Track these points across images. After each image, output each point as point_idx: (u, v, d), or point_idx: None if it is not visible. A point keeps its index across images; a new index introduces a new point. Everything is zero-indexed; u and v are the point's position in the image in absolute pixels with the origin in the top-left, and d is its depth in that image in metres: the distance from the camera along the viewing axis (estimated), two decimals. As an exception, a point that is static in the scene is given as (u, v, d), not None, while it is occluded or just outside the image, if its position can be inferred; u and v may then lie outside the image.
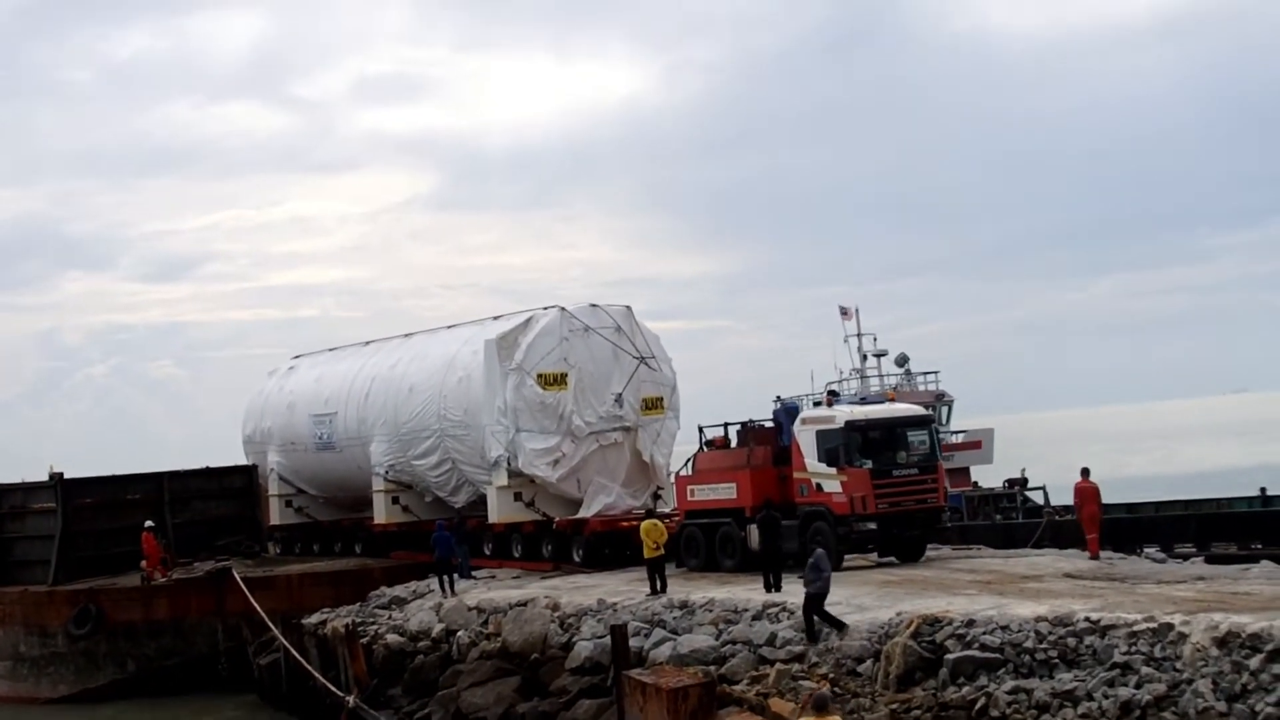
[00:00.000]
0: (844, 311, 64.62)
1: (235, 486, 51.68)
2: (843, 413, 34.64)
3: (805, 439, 34.43)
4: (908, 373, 63.03)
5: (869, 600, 27.71)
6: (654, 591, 32.13)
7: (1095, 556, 32.55)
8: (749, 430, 37.08)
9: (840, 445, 33.48)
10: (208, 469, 52.20)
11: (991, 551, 36.63)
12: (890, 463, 33.65)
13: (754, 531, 33.60)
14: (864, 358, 63.70)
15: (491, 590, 36.98)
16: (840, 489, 33.35)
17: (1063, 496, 55.90)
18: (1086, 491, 33.21)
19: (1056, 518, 42.46)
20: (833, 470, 33.58)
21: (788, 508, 34.57)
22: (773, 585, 30.42)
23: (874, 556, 35.44)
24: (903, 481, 33.60)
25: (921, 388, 60.76)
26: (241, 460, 53.85)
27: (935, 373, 61.62)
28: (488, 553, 42.17)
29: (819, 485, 33.90)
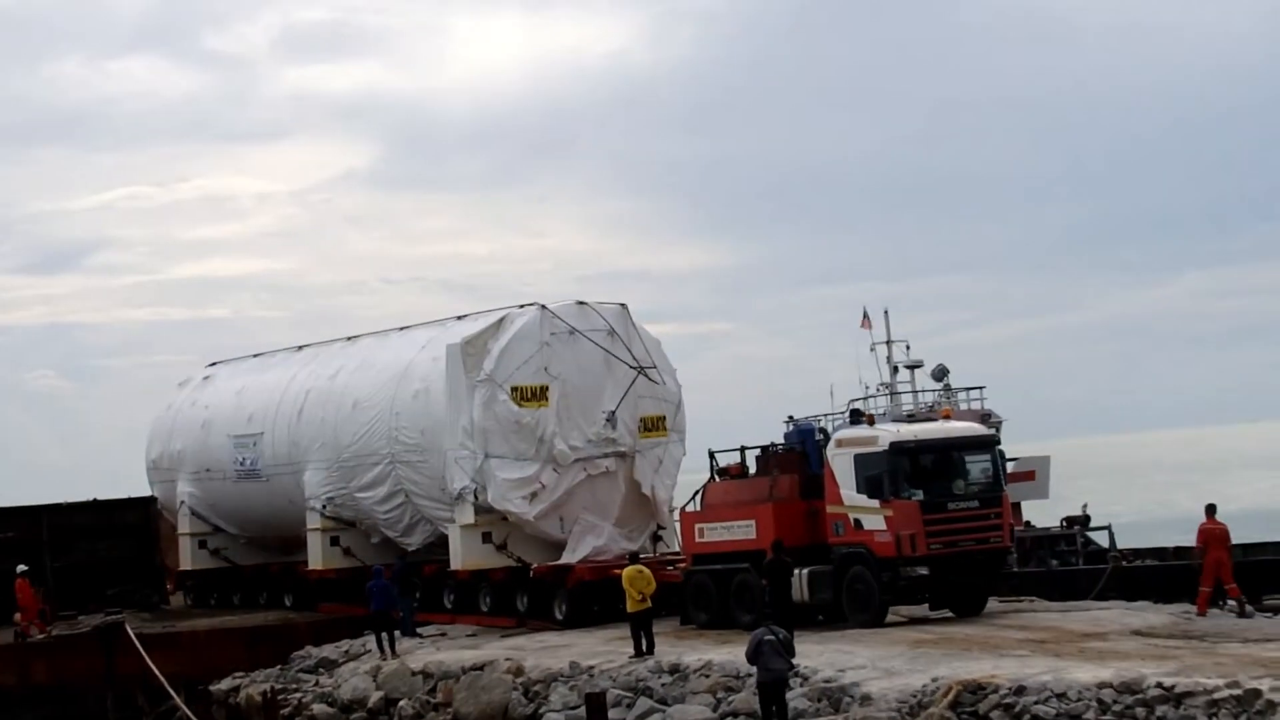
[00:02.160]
0: (865, 317, 63.89)
1: (130, 523, 51.62)
2: (887, 432, 34.39)
3: (841, 465, 34.20)
4: (947, 388, 62.34)
5: (899, 663, 27.71)
6: (639, 653, 32.10)
7: (1203, 615, 32.32)
8: (771, 455, 36.92)
9: (884, 472, 33.28)
10: (96, 502, 52.08)
11: (1046, 604, 36.77)
12: (945, 494, 33.51)
13: (801, 579, 33.81)
14: (894, 370, 62.95)
15: (441, 651, 36.96)
16: (884, 526, 33.17)
17: (1131, 537, 55.34)
18: (1214, 534, 32.86)
19: (1124, 563, 42.29)
20: (875, 503, 33.38)
21: (819, 550, 34.37)
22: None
23: (925, 609, 35.32)
24: (961, 517, 33.45)
25: (963, 406, 60.01)
26: (144, 491, 53.73)
27: (980, 388, 60.92)
28: (449, 606, 42.02)
29: (858, 522, 33.72)
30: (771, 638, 25.53)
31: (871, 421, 36.04)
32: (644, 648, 32.22)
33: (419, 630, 40.27)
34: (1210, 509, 33.57)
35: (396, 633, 38.42)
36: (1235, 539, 41.15)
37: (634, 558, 35.13)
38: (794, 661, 26.22)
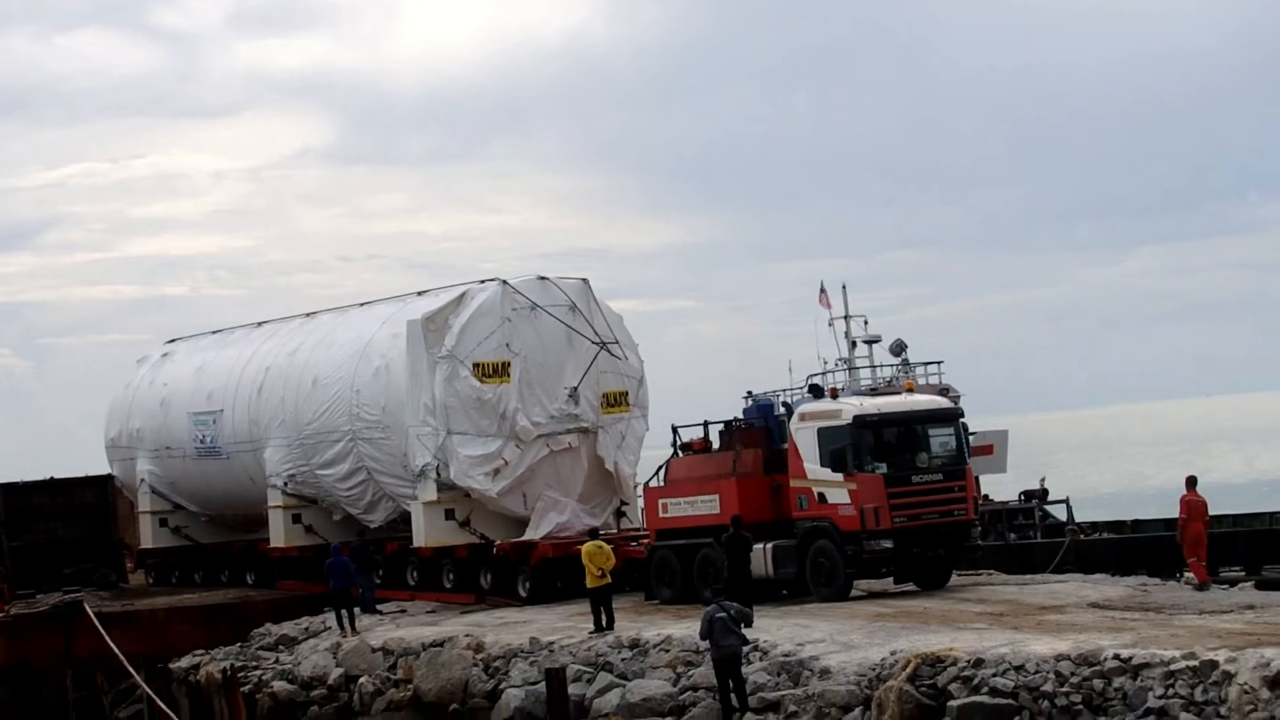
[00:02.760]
0: (822, 292, 63.80)
1: (88, 502, 51.69)
2: (850, 406, 34.40)
3: (804, 439, 34.23)
4: (905, 363, 62.35)
5: (858, 636, 27.73)
6: (599, 628, 32.16)
7: (1204, 585, 32.35)
8: (734, 430, 36.93)
9: (848, 445, 33.33)
10: (53, 480, 51.98)
11: (1004, 577, 36.82)
12: (909, 467, 33.58)
13: (766, 553, 33.96)
14: (853, 345, 62.89)
15: (401, 628, 37.01)
16: (848, 499, 33.24)
17: (1088, 511, 55.56)
18: (1195, 506, 32.90)
19: (1082, 536, 42.74)
20: (839, 477, 33.45)
21: (783, 525, 34.44)
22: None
23: (889, 582, 35.44)
24: (925, 490, 33.56)
25: (921, 380, 59.94)
26: (102, 470, 53.45)
27: (938, 363, 60.92)
28: (412, 584, 41.97)
29: (821, 496, 33.77)
30: (723, 615, 25.55)
31: (835, 395, 36.01)
32: (604, 623, 32.31)
33: (379, 607, 40.17)
34: (1191, 481, 33.55)
35: (357, 610, 38.35)
36: (1152, 514, 41.31)
37: (594, 533, 35.16)
38: (748, 636, 26.22)
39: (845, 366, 61.20)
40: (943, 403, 35.74)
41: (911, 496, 33.32)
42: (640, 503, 40.04)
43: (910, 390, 36.96)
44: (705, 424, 37.59)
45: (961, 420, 35.08)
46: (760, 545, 33.87)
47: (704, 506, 35.79)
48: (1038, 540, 45.66)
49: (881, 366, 61.35)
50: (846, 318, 63.05)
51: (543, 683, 28.27)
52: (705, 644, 26.34)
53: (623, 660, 29.50)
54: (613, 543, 39.14)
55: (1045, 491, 52.65)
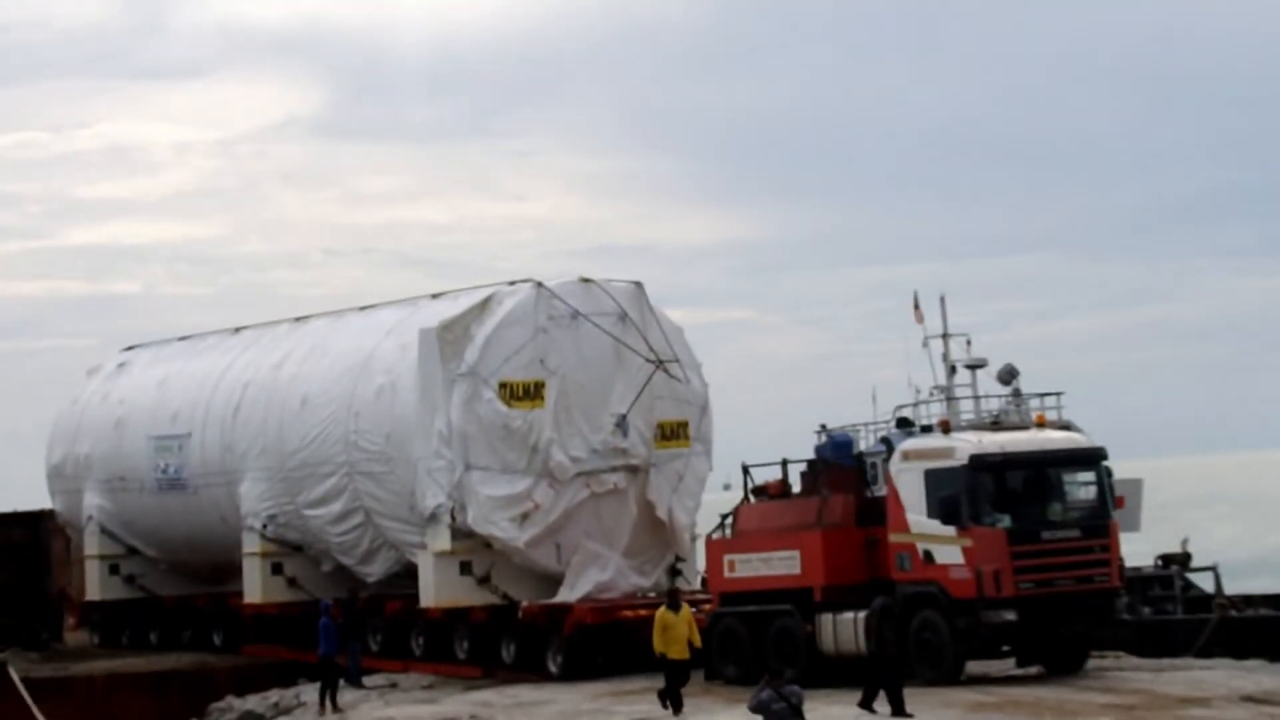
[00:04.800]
0: (916, 306, 63.15)
1: (15, 542, 52.24)
2: (967, 443, 34.31)
3: (908, 483, 34.27)
4: (1016, 393, 61.47)
5: None
6: (676, 711, 32.14)
7: None
8: (819, 471, 36.91)
9: (963, 492, 33.26)
10: None
11: (1136, 661, 36.93)
12: (1039, 520, 33.61)
13: (835, 624, 33.84)
14: (952, 370, 62.11)
15: (391, 705, 37.11)
16: (961, 560, 33.18)
17: (1241, 581, 54.43)
18: None
19: (1233, 612, 42.03)
20: (950, 531, 33.34)
21: (880, 589, 34.15)
22: (899, 710, 29.76)
23: (1010, 664, 35.31)
24: (1058, 549, 33.42)
25: (1033, 417, 59.39)
26: (36, 503, 53.85)
27: (1057, 394, 60.10)
28: (418, 653, 41.95)
29: (928, 554, 33.74)
30: (782, 704, 25.52)
31: (947, 429, 35.67)
32: (677, 707, 32.18)
33: (364, 679, 40.14)
34: None
35: (340, 681, 38.49)
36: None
37: (672, 596, 34.11)
38: None
39: (943, 396, 60.29)
40: (1081, 440, 35.42)
41: (1041, 557, 33.13)
42: (700, 559, 39.91)
43: (1041, 425, 36.50)
44: (784, 463, 37.58)
45: (1105, 463, 34.84)
46: (850, 614, 33.85)
47: (780, 565, 35.74)
48: (1178, 616, 44.86)
49: (987, 397, 60.54)
50: (945, 336, 62.00)
51: None
52: None
53: None
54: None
55: (1188, 556, 51.92)
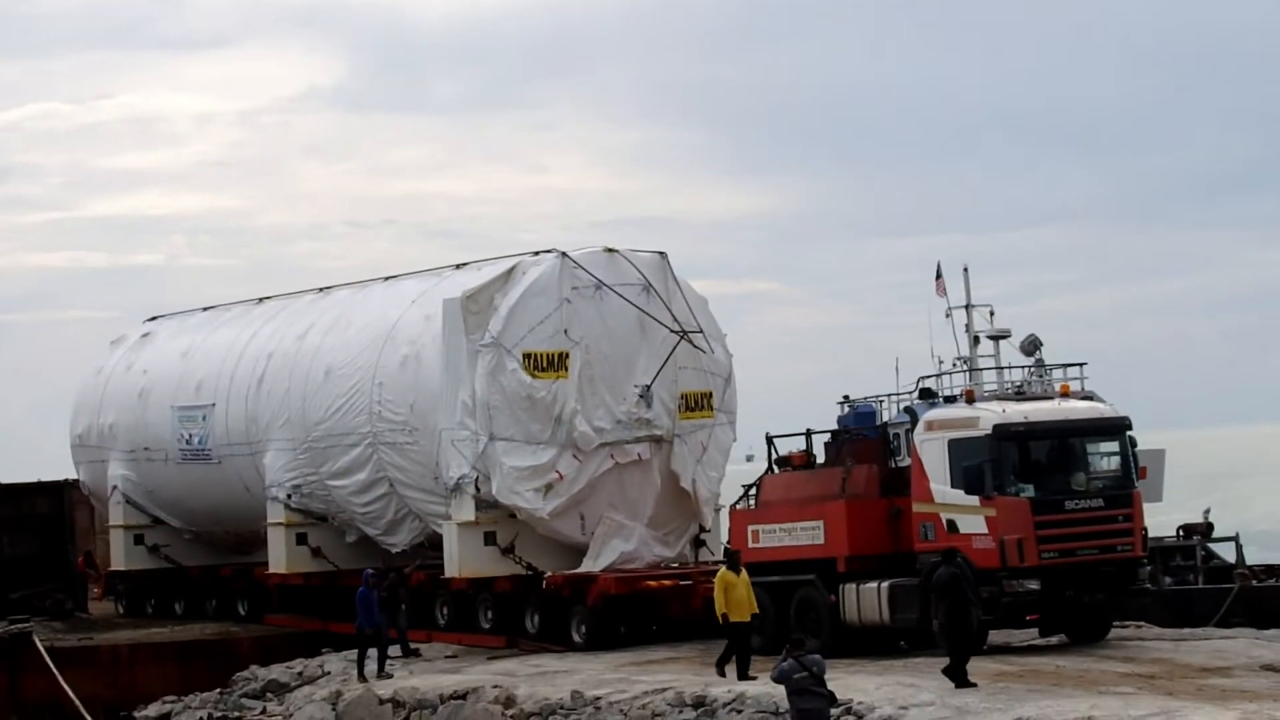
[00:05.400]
0: (939, 276, 63.13)
1: (40, 513, 52.07)
2: (991, 412, 34.27)
3: (932, 453, 34.26)
4: (1039, 363, 61.48)
5: (974, 700, 27.89)
6: (741, 676, 32.05)
7: None
8: (844, 442, 36.87)
9: (986, 462, 33.25)
10: None
11: (1157, 630, 37.00)
12: (1062, 489, 33.59)
13: (859, 594, 33.84)
14: (975, 341, 62.14)
15: (415, 675, 37.21)
16: (985, 529, 33.10)
17: (1262, 551, 54.46)
18: None
19: (1254, 582, 41.78)
20: (974, 500, 33.33)
21: (903, 559, 34.42)
22: (963, 678, 29.51)
23: (1033, 634, 35.46)
24: (1081, 518, 33.42)
25: (1056, 388, 59.47)
26: (59, 474, 53.71)
27: (1080, 365, 60.11)
28: (442, 622, 42.10)
29: (951, 524, 33.65)
30: (804, 674, 25.64)
31: (971, 399, 35.71)
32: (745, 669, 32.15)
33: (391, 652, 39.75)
34: None
35: (384, 652, 38.45)
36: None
37: (731, 557, 34.08)
38: (833, 694, 26.27)
39: (966, 367, 60.33)
40: (1105, 410, 35.36)
41: (1065, 527, 33.13)
42: (724, 530, 39.86)
43: (1066, 394, 36.47)
44: (808, 433, 37.62)
45: (1129, 433, 34.82)
46: (874, 584, 33.93)
47: (804, 535, 35.72)
48: (1199, 586, 44.81)
49: (1010, 368, 60.59)
50: (969, 307, 62.01)
51: None
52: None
53: None
54: (690, 579, 39.06)
55: (1209, 526, 51.91)
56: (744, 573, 33.10)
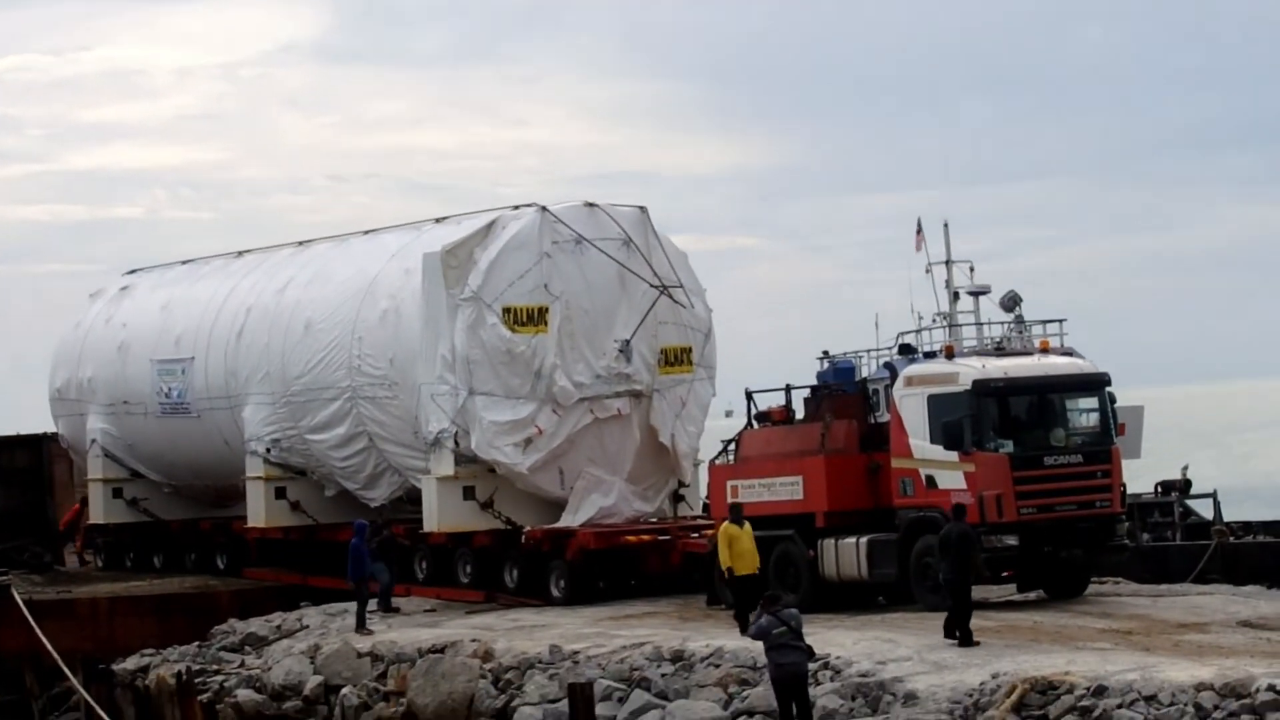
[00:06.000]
0: (919, 232, 63.25)
1: (18, 466, 52.28)
2: (970, 368, 34.39)
3: (911, 408, 34.37)
4: (1019, 319, 61.53)
5: (952, 655, 28.14)
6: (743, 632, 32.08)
7: None
8: (823, 397, 36.96)
9: (966, 417, 33.31)
10: None
11: (1134, 586, 37.11)
12: (1041, 445, 33.69)
13: (837, 549, 34.06)
14: (955, 297, 62.17)
15: (394, 629, 37.43)
16: (964, 485, 33.18)
17: (1239, 508, 54.61)
18: None
19: (1231, 539, 41.80)
20: (953, 456, 33.43)
21: (882, 514, 34.62)
22: (963, 636, 29.51)
23: (1012, 589, 35.48)
24: (1060, 474, 33.55)
25: (1037, 343, 59.55)
26: (38, 427, 54.04)
27: (1060, 321, 60.13)
28: (421, 577, 42.12)
29: (930, 480, 33.86)
30: (782, 628, 25.75)
31: (951, 354, 35.80)
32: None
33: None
34: None
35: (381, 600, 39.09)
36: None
37: (735, 510, 33.92)
38: (812, 648, 26.31)
39: (945, 323, 60.33)
40: (1085, 366, 35.48)
41: (1043, 483, 33.22)
42: (703, 485, 40.01)
43: (1045, 350, 36.53)
44: (788, 388, 37.66)
45: (1108, 389, 34.90)
46: (852, 539, 34.09)
47: (783, 490, 35.77)
48: (1176, 542, 44.98)
49: (990, 324, 60.59)
50: (948, 263, 62.03)
51: (564, 700, 28.54)
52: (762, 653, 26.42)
53: (663, 676, 29.65)
54: (668, 534, 39.02)
55: (1188, 483, 52.07)
56: (747, 525, 33.09)
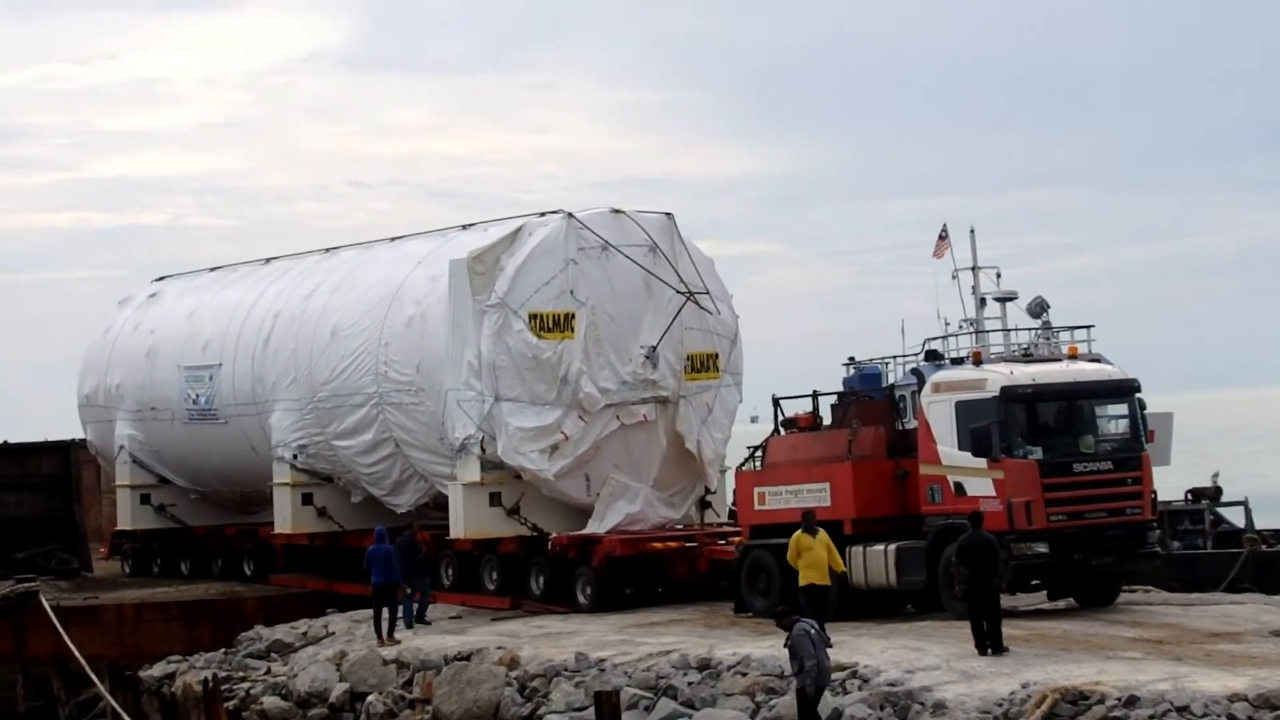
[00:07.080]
0: (943, 238, 62.92)
1: (46, 472, 52.35)
2: (998, 374, 34.30)
3: (939, 415, 34.25)
4: (1046, 325, 61.35)
5: (981, 664, 28.11)
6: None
7: None
8: (850, 403, 36.83)
9: (994, 424, 33.17)
10: (6, 446, 52.90)
11: (1166, 596, 37.00)
12: (1070, 452, 33.56)
13: (865, 556, 33.85)
14: (982, 303, 61.98)
15: (419, 636, 37.51)
16: (993, 492, 33.09)
17: (1271, 515, 54.34)
18: None
19: (1264, 547, 41.68)
20: (981, 463, 33.27)
21: (910, 521, 34.51)
22: (988, 645, 29.30)
23: (1041, 597, 35.49)
24: (1090, 481, 33.42)
25: (1065, 350, 59.32)
26: (65, 433, 54.13)
27: (1087, 327, 59.90)
28: (447, 583, 42.07)
29: (959, 487, 33.71)
30: (814, 629, 26.00)
31: (979, 360, 35.71)
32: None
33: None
34: None
35: (411, 610, 38.73)
36: None
37: (808, 519, 32.80)
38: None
39: (972, 329, 60.06)
40: (1114, 372, 35.39)
41: (1073, 490, 33.12)
42: (730, 491, 39.83)
43: (1074, 356, 36.48)
44: (814, 395, 37.53)
45: (1138, 395, 34.77)
46: (880, 547, 33.94)
47: (810, 497, 35.47)
48: (1207, 550, 44.86)
49: (1017, 330, 60.33)
50: (975, 269, 61.73)
51: (590, 708, 28.54)
52: (807, 664, 25.97)
53: (689, 684, 29.58)
54: (695, 541, 39.22)
55: (1218, 490, 51.93)
56: (822, 533, 32.20)
